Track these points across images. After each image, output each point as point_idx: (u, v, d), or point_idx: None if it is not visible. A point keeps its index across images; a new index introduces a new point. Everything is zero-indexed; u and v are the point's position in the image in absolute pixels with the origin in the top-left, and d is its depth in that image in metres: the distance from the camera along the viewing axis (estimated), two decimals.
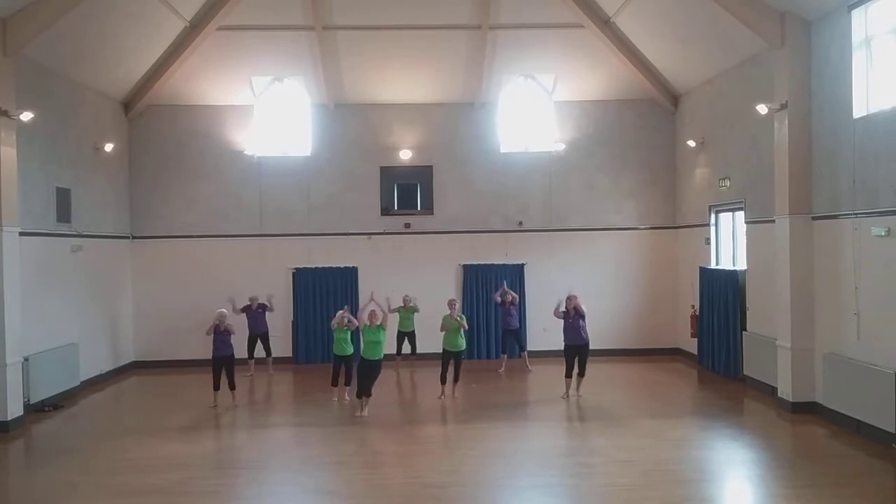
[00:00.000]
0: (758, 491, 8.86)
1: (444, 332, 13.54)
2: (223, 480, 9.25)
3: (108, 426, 12.29)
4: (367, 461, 10.12)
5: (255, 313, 16.03)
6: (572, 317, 13.17)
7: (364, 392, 12.30)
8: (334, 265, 17.51)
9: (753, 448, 10.38)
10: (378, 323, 12.39)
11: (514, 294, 15.96)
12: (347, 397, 13.32)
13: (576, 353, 13.18)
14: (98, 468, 9.77)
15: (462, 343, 13.49)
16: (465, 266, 17.65)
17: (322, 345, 17.32)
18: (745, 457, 10.08)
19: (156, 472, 9.47)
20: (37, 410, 12.78)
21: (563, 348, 13.34)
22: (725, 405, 12.88)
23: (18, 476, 10.18)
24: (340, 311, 13.42)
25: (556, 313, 13.31)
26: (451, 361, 13.45)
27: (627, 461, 9.68)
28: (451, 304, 13.87)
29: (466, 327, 13.66)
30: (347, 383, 13.44)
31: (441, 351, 13.61)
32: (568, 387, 13.29)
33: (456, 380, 13.52)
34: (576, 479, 9.07)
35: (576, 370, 13.17)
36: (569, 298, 13.30)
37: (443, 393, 13.45)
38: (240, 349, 14.79)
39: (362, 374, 12.32)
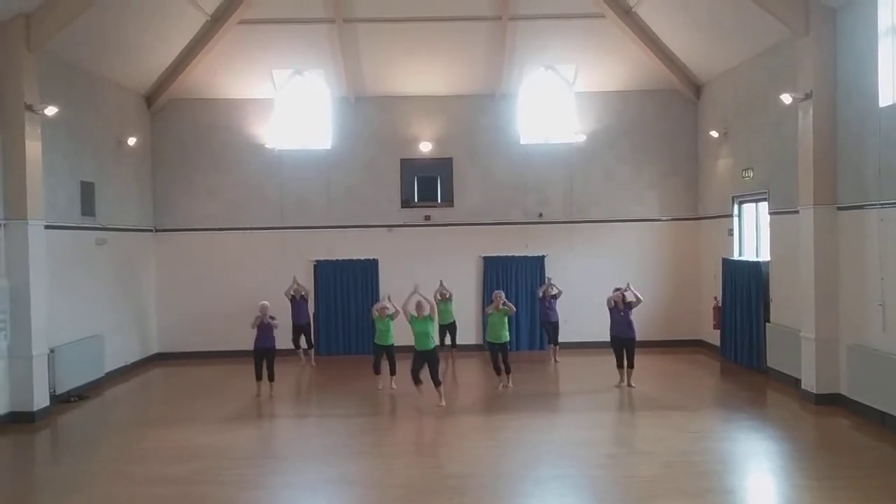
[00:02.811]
0: (780, 482, 8.79)
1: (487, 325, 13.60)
2: (244, 470, 9.30)
3: (131, 417, 12.43)
4: (388, 451, 10.15)
5: (299, 304, 16.12)
6: (622, 309, 13.25)
7: (434, 382, 12.31)
8: (355, 257, 17.57)
9: (776, 440, 10.30)
10: (426, 314, 12.39)
11: (559, 289, 15.94)
12: (394, 385, 13.41)
13: (621, 345, 13.33)
14: (121, 458, 9.88)
15: (505, 335, 13.48)
16: (485, 258, 17.64)
17: (343, 336, 17.45)
18: (767, 448, 10.00)
19: (176, 462, 9.57)
20: (62, 401, 12.97)
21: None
22: (748, 397, 12.78)
23: (44, 465, 10.36)
24: (383, 303, 13.51)
25: (609, 304, 13.44)
26: (499, 353, 13.45)
27: (649, 452, 9.64)
28: (495, 296, 13.74)
29: (514, 309, 13.70)
30: (393, 372, 13.52)
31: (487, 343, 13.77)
32: (621, 377, 13.44)
33: (508, 371, 13.49)
34: (597, 471, 9.05)
35: (625, 363, 13.36)
36: (615, 291, 13.46)
37: (500, 383, 13.50)
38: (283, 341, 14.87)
39: (420, 365, 12.35)
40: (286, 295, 15.99)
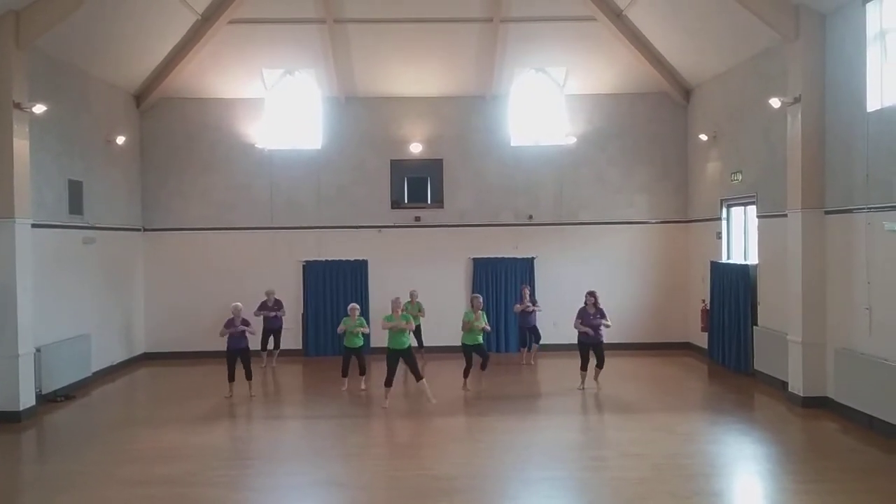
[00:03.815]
0: (768, 485, 8.83)
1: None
2: (232, 471, 9.28)
3: (118, 417, 12.36)
4: (376, 453, 10.14)
5: (271, 308, 16.05)
6: (593, 314, 13.21)
7: (416, 378, 12.58)
8: (344, 258, 17.53)
9: (764, 443, 10.34)
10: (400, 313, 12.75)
11: (536, 308, 15.91)
12: (363, 386, 13.51)
13: (588, 347, 13.28)
14: (108, 458, 9.83)
15: (480, 337, 13.56)
16: (475, 260, 17.63)
17: (332, 337, 17.38)
18: (755, 451, 10.04)
19: (165, 463, 9.52)
20: (49, 401, 12.88)
21: (576, 342, 13.45)
22: (736, 399, 12.83)
23: (30, 465, 10.26)
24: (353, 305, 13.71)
25: (577, 325, 13.34)
26: (473, 354, 13.53)
27: (637, 455, 9.66)
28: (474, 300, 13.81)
29: (488, 329, 13.68)
30: (362, 373, 13.65)
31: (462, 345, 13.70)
32: (583, 379, 13.38)
33: (483, 368, 13.61)
34: (586, 472, 9.07)
35: (594, 362, 13.30)
36: (589, 294, 13.37)
37: (465, 386, 13.57)
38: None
39: (392, 365, 12.51)
40: (255, 315, 15.57)
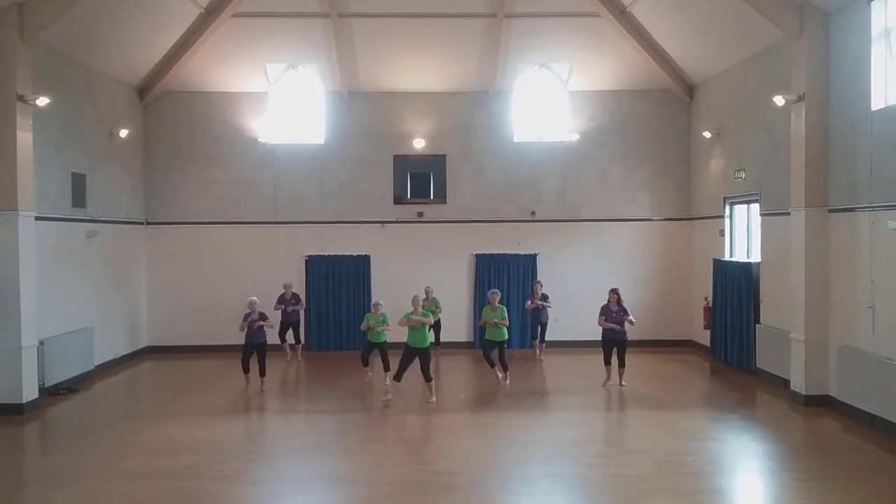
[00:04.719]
0: (769, 483, 8.83)
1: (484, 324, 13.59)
2: (235, 465, 9.30)
3: (121, 410, 12.38)
4: (378, 448, 10.15)
5: (289, 302, 16.07)
6: (616, 311, 13.22)
7: (425, 377, 12.41)
8: (347, 253, 17.55)
9: (765, 440, 10.35)
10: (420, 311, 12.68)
11: (547, 305, 15.93)
12: (388, 382, 13.07)
13: (612, 344, 13.29)
14: (111, 451, 9.86)
15: (505, 332, 13.46)
16: (477, 255, 17.64)
17: (334, 332, 17.43)
18: (756, 449, 10.05)
19: (168, 457, 9.54)
20: (52, 394, 12.91)
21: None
22: (738, 397, 12.83)
23: (32, 458, 10.30)
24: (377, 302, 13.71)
25: (601, 322, 13.34)
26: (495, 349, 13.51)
27: (639, 452, 9.68)
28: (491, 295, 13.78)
29: (505, 323, 13.45)
30: (387, 368, 13.35)
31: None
32: (608, 375, 13.42)
33: (505, 368, 13.54)
34: (587, 469, 9.07)
35: (616, 362, 13.31)
36: (612, 291, 13.40)
37: (499, 378, 13.58)
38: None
39: (408, 360, 12.40)
40: (274, 310, 15.63)
